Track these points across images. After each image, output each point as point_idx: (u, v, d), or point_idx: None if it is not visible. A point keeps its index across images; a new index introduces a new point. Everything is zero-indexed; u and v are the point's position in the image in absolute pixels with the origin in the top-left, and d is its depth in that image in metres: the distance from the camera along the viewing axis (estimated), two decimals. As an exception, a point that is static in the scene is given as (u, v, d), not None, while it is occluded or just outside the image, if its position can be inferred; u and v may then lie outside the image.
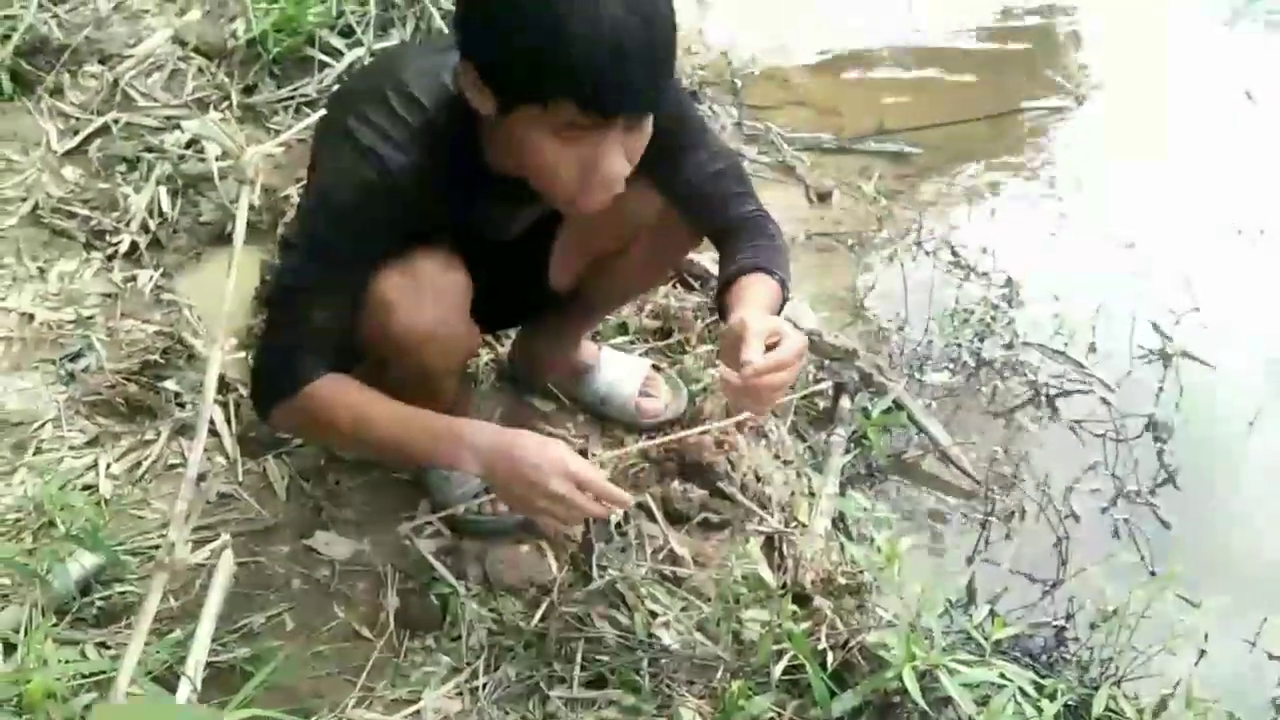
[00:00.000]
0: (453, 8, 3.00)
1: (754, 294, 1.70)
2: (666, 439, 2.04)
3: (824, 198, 2.97)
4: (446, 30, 3.04)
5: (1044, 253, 2.84)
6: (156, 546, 1.91)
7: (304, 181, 2.58)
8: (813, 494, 2.20)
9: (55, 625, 1.77)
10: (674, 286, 2.59)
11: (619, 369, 2.26)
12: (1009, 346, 2.59)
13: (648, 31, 1.42)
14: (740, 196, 1.85)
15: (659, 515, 2.09)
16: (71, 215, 2.58)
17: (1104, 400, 2.49)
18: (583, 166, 1.52)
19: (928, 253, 2.81)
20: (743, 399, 1.56)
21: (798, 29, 3.59)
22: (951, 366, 2.54)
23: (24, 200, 2.57)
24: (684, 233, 1.94)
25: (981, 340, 2.59)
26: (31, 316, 2.34)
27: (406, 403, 1.69)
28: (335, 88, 1.83)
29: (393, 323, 1.69)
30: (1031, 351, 2.59)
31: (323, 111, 1.81)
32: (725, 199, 1.83)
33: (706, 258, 2.61)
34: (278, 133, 2.79)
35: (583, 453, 2.16)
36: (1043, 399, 2.49)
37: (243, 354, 2.24)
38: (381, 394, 1.67)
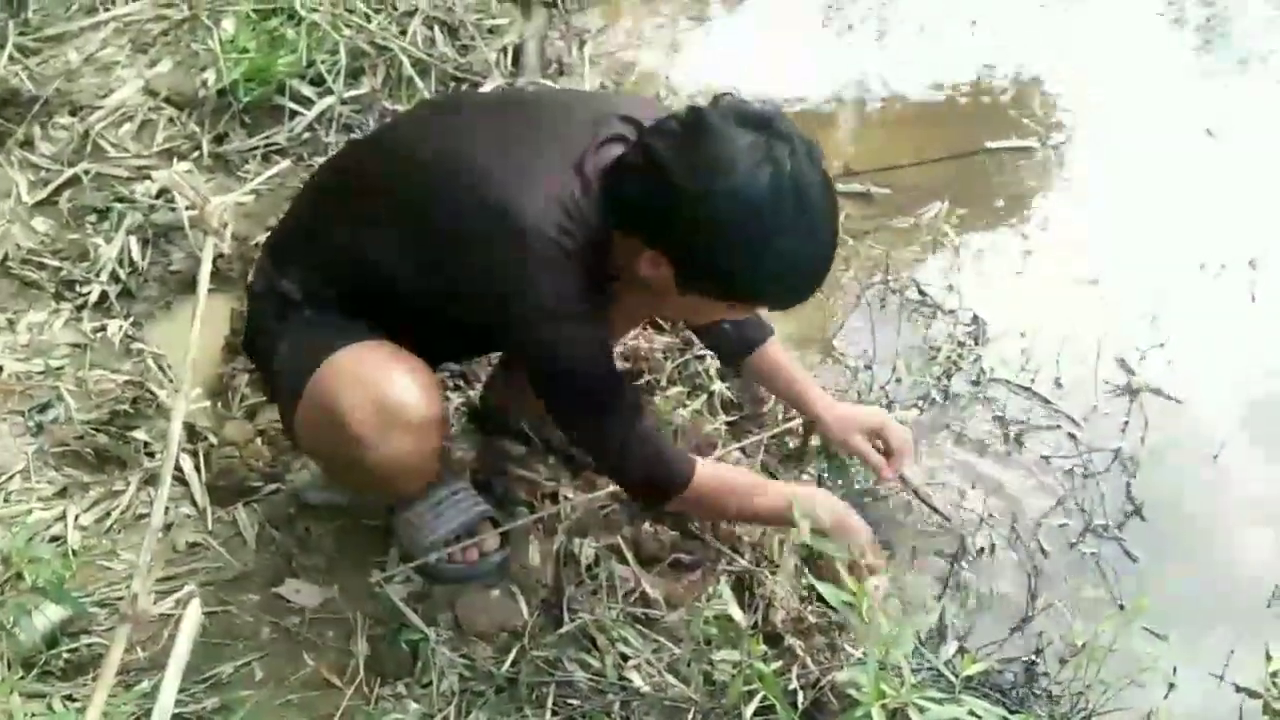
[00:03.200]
0: (424, 55, 3.09)
1: (793, 366, 2.20)
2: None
3: (792, 238, 2.99)
4: (418, 79, 3.07)
5: (1009, 290, 2.87)
6: (124, 598, 1.90)
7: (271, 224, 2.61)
8: (783, 532, 2.21)
9: (21, 678, 1.76)
10: (644, 328, 2.61)
11: None
12: (976, 383, 2.61)
13: (837, 242, 1.67)
14: None
15: (630, 557, 2.09)
16: (41, 266, 2.59)
17: (1071, 435, 2.51)
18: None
19: (894, 291, 2.83)
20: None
21: (764, 74, 3.63)
22: (919, 404, 2.56)
23: (-7, 252, 2.58)
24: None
25: (949, 377, 2.61)
26: (0, 368, 2.34)
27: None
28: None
29: (366, 457, 1.74)
30: (998, 388, 2.61)
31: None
32: None
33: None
34: (248, 181, 2.81)
35: (554, 496, 2.16)
36: (1010, 435, 2.51)
37: (209, 403, 2.25)
38: (738, 470, 2.09)
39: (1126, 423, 2.53)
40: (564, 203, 1.64)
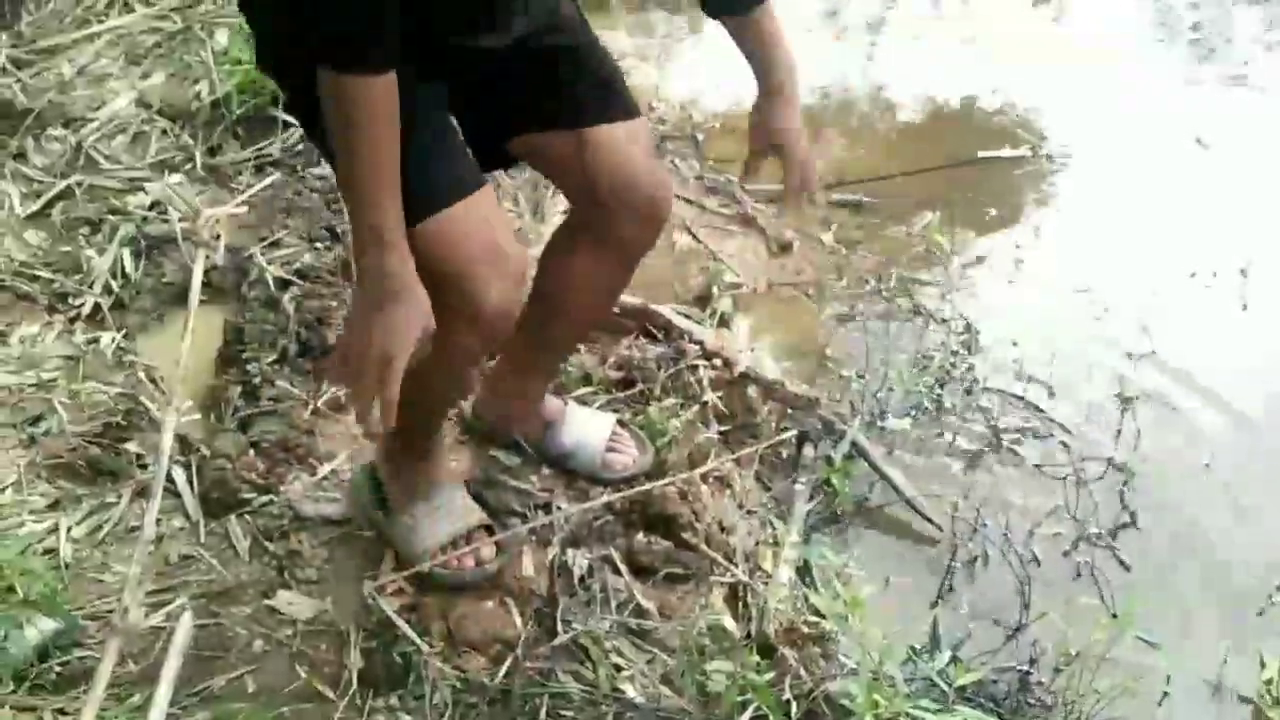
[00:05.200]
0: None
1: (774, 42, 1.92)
2: (631, 491, 2.06)
3: (785, 248, 3.01)
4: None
5: (1002, 299, 2.88)
6: (115, 610, 1.89)
7: (267, 240, 2.63)
8: (777, 543, 2.21)
9: (13, 692, 1.76)
10: (637, 338, 2.61)
11: (586, 424, 2.27)
12: (969, 392, 2.62)
13: None
14: None
15: (624, 568, 2.09)
16: (34, 278, 2.59)
17: (1063, 444, 2.52)
18: None
19: (887, 301, 2.84)
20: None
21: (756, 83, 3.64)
22: (913, 413, 2.56)
23: (-14, 264, 2.58)
24: (618, 225, 1.89)
25: (942, 386, 2.61)
26: (-8, 380, 2.34)
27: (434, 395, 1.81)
28: None
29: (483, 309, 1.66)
30: (991, 396, 2.62)
31: None
32: None
33: (668, 309, 2.64)
34: (241, 192, 2.82)
35: (547, 506, 2.16)
36: (1003, 443, 2.52)
37: (200, 415, 2.24)
38: (391, 136, 1.52)
39: (1119, 431, 2.54)
40: None
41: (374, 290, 1.55)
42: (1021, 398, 2.61)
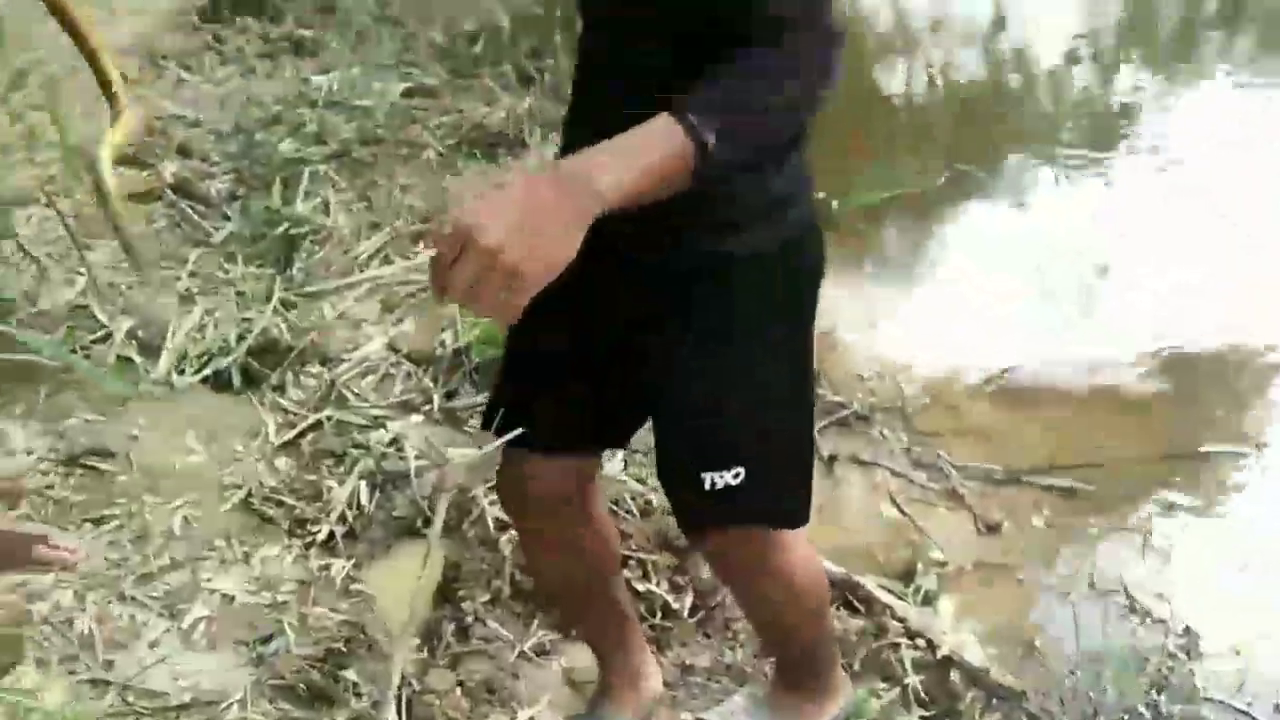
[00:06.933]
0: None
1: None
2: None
3: (993, 529, 2.98)
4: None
5: (1224, 603, 2.74)
6: (322, 840, 1.96)
7: (490, 482, 2.77)
8: (980, 847, 2.12)
9: None
10: (838, 609, 2.61)
11: None
12: (1189, 701, 2.48)
13: None
14: None
15: None
16: (279, 504, 2.79)
17: (1296, 769, 2.35)
18: None
19: (1101, 594, 2.76)
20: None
21: (964, 350, 3.68)
22: (1126, 717, 2.44)
23: (239, 488, 2.80)
24: None
25: (1159, 692, 2.48)
26: (232, 598, 2.51)
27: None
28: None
29: None
30: (1213, 708, 2.47)
31: None
32: None
33: (870, 580, 2.63)
34: (472, 435, 3.00)
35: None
36: (1227, 762, 2.37)
37: (424, 653, 2.34)
38: None
39: (1361, 761, 2.36)
40: None
41: (537, 184, 1.20)
42: (1246, 713, 2.46)
